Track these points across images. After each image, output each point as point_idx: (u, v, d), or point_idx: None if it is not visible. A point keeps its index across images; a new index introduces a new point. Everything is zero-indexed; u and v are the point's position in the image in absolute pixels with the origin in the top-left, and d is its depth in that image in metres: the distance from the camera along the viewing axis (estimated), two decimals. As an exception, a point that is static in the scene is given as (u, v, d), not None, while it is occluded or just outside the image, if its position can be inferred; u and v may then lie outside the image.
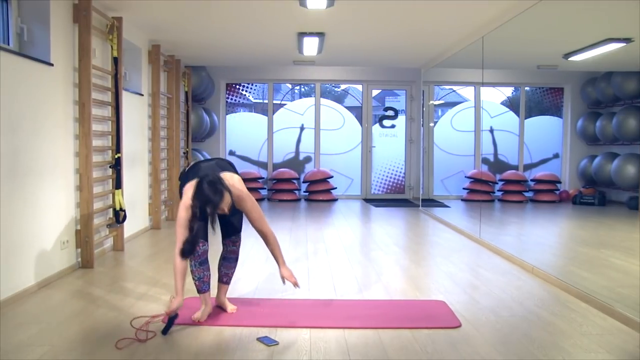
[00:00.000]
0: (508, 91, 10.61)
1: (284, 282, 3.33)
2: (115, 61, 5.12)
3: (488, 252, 5.43)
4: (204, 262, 3.25)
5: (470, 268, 4.79)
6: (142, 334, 2.95)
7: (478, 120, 10.26)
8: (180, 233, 3.04)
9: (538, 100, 10.63)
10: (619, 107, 9.08)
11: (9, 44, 3.98)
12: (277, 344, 2.89)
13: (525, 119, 10.30)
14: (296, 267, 4.56)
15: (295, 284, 3.32)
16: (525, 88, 10.39)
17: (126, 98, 5.65)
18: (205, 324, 3.17)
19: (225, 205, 3.00)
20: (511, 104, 10.52)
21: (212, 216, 3.03)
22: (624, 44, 6.36)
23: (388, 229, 6.86)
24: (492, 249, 5.46)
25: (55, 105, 4.21)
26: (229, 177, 3.18)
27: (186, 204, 3.03)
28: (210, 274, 3.30)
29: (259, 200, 9.85)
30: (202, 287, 3.26)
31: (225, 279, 3.46)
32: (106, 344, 2.85)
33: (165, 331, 2.96)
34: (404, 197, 10.58)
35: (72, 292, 3.90)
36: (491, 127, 10.38)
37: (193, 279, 3.26)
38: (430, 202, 9.63)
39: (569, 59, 7.37)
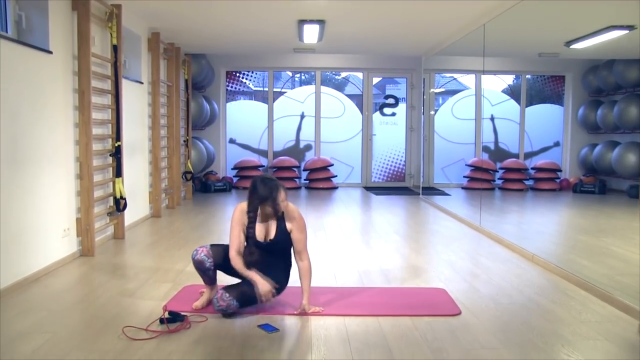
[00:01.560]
0: (509, 79, 10.57)
1: (304, 309, 3.19)
2: (115, 49, 5.09)
3: (488, 240, 5.44)
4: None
5: (470, 256, 4.79)
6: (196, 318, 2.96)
7: (479, 108, 10.22)
8: (233, 235, 3.19)
9: (539, 88, 10.59)
10: (621, 95, 9.04)
11: (7, 32, 3.95)
12: (277, 331, 2.90)
13: (526, 107, 10.26)
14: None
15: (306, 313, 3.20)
16: (527, 76, 10.35)
17: (126, 86, 5.62)
18: (207, 312, 3.17)
19: (281, 202, 3.12)
20: (512, 92, 10.48)
21: (275, 209, 3.13)
22: (627, 32, 6.32)
23: (388, 217, 6.86)
24: (493, 237, 5.46)
25: (55, 93, 4.20)
26: (283, 194, 3.20)
27: (242, 208, 3.21)
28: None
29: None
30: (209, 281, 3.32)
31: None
32: (108, 332, 2.86)
33: (163, 321, 2.96)
34: (404, 185, 10.57)
35: (73, 280, 3.91)
36: (492, 115, 10.35)
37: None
38: (431, 190, 9.62)
39: (571, 46, 7.33)
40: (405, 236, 5.71)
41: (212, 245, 3.32)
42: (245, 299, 3.11)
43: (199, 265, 3.26)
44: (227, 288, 3.13)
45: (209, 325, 2.99)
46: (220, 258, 3.26)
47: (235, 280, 3.28)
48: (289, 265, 3.32)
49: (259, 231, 3.22)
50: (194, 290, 3.57)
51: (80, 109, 4.49)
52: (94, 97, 4.72)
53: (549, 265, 4.27)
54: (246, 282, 3.16)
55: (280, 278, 3.23)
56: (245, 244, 3.19)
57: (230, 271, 3.27)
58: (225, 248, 3.27)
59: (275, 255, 3.25)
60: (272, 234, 3.21)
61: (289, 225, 3.23)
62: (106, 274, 4.06)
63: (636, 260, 4.50)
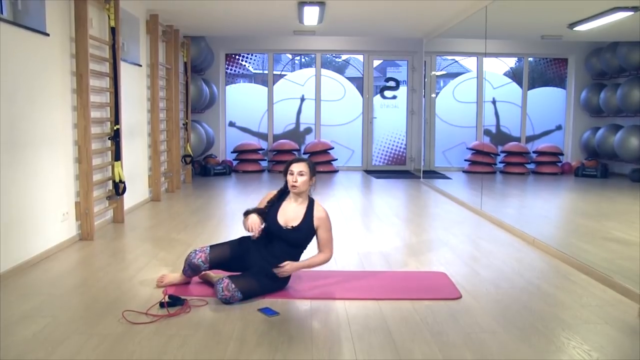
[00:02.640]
0: (511, 62, 10.50)
1: (281, 266, 3.17)
2: (113, 31, 5.05)
3: (489, 224, 5.44)
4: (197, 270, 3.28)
5: (471, 240, 4.80)
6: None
7: (480, 91, 10.17)
8: (259, 203, 3.31)
9: (541, 71, 10.52)
10: (624, 78, 8.98)
11: (2, 13, 3.90)
12: (277, 315, 2.91)
13: (528, 90, 10.20)
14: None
15: (280, 272, 3.18)
16: (529, 59, 10.27)
17: (124, 69, 5.58)
18: (207, 296, 3.18)
19: (303, 179, 3.17)
20: (514, 75, 10.42)
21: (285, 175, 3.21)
22: (631, 13, 6.25)
23: (389, 200, 6.86)
24: (493, 221, 5.46)
25: (53, 76, 4.17)
26: (307, 173, 3.22)
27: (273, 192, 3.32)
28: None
29: (259, 171, 9.85)
30: (186, 271, 3.30)
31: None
32: (108, 315, 2.87)
33: (163, 305, 2.96)
34: (405, 169, 10.56)
35: (73, 264, 3.91)
36: (493, 99, 10.30)
37: (186, 261, 3.27)
38: (432, 174, 9.62)
39: (574, 28, 7.26)
40: (406, 220, 5.71)
41: (212, 247, 3.28)
42: (250, 292, 3.10)
43: (192, 267, 3.24)
44: (233, 279, 3.10)
45: (209, 309, 2.99)
46: (219, 259, 3.24)
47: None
48: (298, 257, 3.28)
49: (282, 215, 3.22)
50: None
51: (79, 92, 4.46)
52: (92, 80, 4.69)
53: (550, 249, 4.28)
54: (252, 275, 3.16)
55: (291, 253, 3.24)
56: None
57: (231, 269, 3.28)
58: (225, 247, 3.27)
59: (288, 243, 3.22)
60: (296, 222, 3.20)
61: (316, 222, 3.22)
62: (106, 258, 4.06)
63: (637, 244, 4.50)
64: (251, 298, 3.12)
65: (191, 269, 3.26)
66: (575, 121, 10.07)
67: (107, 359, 2.38)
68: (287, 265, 3.17)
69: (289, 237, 3.21)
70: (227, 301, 3.06)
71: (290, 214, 3.23)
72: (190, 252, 3.27)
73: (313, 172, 3.25)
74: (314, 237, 3.29)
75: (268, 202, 3.28)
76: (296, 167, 3.20)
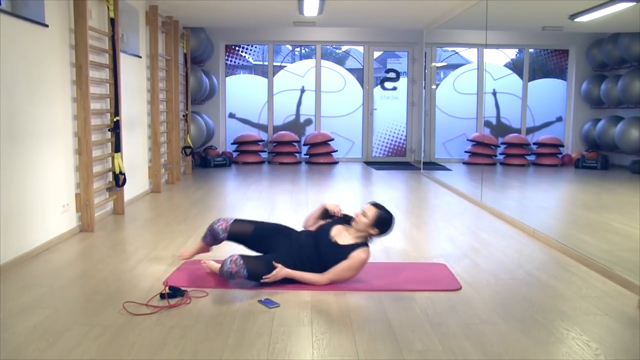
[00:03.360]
0: (512, 53, 10.46)
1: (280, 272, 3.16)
2: (112, 22, 5.02)
3: (489, 215, 5.44)
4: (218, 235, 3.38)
5: (471, 231, 4.80)
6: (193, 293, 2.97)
7: (481, 82, 10.14)
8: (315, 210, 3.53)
9: (542, 63, 10.48)
10: (625, 69, 8.95)
11: (1, 4, 3.88)
12: (277, 306, 2.92)
13: (529, 81, 10.16)
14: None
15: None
16: (530, 50, 10.23)
17: (124, 60, 5.56)
18: (207, 287, 3.18)
19: (367, 218, 3.26)
20: (515, 66, 10.38)
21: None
22: (634, 4, 6.22)
23: (389, 192, 6.86)
24: (494, 213, 5.46)
25: (52, 68, 4.15)
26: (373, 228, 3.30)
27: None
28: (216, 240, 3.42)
29: (259, 163, 9.84)
30: (206, 237, 3.44)
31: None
32: (108, 307, 2.87)
33: (163, 296, 2.97)
34: (405, 160, 10.55)
35: (73, 256, 3.92)
36: (494, 90, 10.27)
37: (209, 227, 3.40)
38: (432, 165, 9.61)
39: (575, 19, 7.22)
40: (406, 211, 5.71)
41: (235, 220, 3.43)
42: (256, 273, 3.11)
43: (212, 233, 3.41)
44: (244, 256, 3.14)
45: (210, 301, 3.00)
46: (239, 234, 3.37)
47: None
48: (314, 270, 3.24)
49: (336, 230, 3.30)
50: (194, 266, 3.58)
51: (78, 84, 4.45)
52: (92, 72, 4.67)
53: (550, 240, 4.28)
54: (265, 260, 3.18)
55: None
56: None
57: (248, 246, 3.39)
58: (249, 225, 3.39)
59: (318, 253, 3.24)
60: (341, 242, 3.25)
61: (352, 254, 3.19)
62: (106, 249, 4.06)
63: (637, 236, 4.50)
64: (255, 281, 3.13)
65: (211, 235, 3.40)
66: (575, 113, 10.04)
67: (108, 350, 2.38)
68: (283, 270, 3.14)
69: (325, 248, 3.25)
70: (231, 275, 3.07)
71: (342, 235, 3.30)
72: (215, 220, 3.44)
73: (379, 225, 3.27)
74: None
75: (331, 220, 3.39)
76: (368, 209, 3.29)
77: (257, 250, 3.39)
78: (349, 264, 3.20)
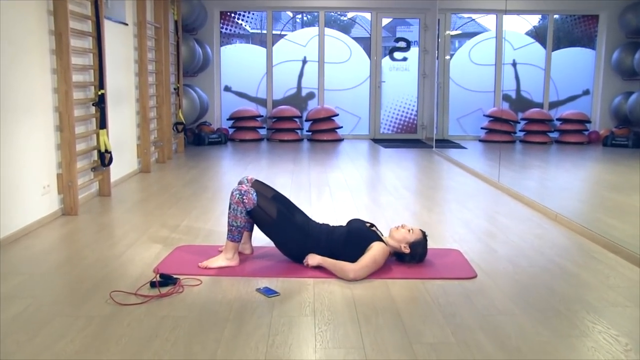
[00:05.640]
0: (534, 20, 10.35)
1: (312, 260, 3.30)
2: (95, -15, 4.97)
3: (507, 197, 5.42)
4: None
5: (487, 215, 4.79)
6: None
7: (499, 52, 10.06)
8: None
9: (568, 30, 10.36)
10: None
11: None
12: (277, 295, 2.92)
13: (553, 51, 10.07)
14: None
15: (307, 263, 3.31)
16: (554, 16, 10.12)
17: (108, 28, 5.52)
18: (201, 274, 3.18)
19: (412, 232, 3.41)
20: (537, 34, 10.28)
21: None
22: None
23: (398, 172, 6.85)
24: (512, 194, 5.45)
25: (28, 36, 4.11)
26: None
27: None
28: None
29: (257, 140, 9.82)
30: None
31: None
32: (94, 296, 2.88)
33: (154, 285, 2.97)
34: (415, 137, 10.53)
35: (55, 241, 3.92)
36: (514, 61, 10.19)
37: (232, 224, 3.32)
38: (445, 143, 9.58)
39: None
40: (417, 192, 5.70)
41: (257, 181, 3.61)
42: (262, 211, 3.24)
43: (239, 183, 3.58)
44: (260, 183, 3.56)
45: (204, 289, 3.00)
46: (262, 190, 3.47)
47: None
48: (338, 254, 3.29)
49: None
50: (187, 251, 3.58)
51: (58, 53, 4.41)
52: (73, 40, 4.63)
53: (574, 225, 4.26)
54: (281, 212, 3.31)
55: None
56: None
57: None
58: (269, 190, 3.54)
59: (349, 232, 3.38)
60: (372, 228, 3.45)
61: (372, 245, 3.26)
62: (91, 234, 4.07)
63: (669, 220, 4.48)
64: (259, 220, 3.26)
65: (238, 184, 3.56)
66: (605, 85, 9.93)
67: (93, 343, 2.39)
68: (316, 258, 3.26)
69: (355, 224, 3.43)
70: (240, 195, 3.20)
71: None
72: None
73: (415, 247, 3.37)
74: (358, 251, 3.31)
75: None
76: (415, 229, 3.43)
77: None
78: (371, 253, 3.22)
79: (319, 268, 3.24)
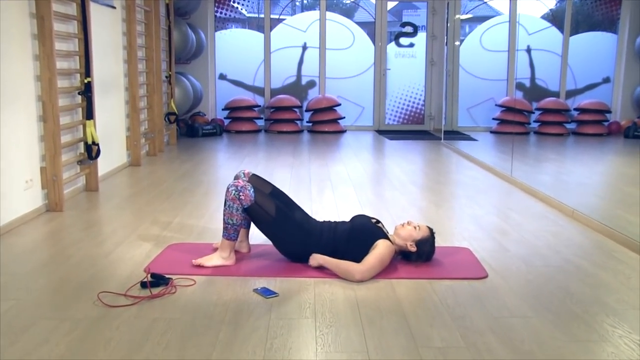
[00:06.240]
0: (551, 2, 10.33)
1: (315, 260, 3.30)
2: (80, -35, 4.96)
3: (520, 192, 5.42)
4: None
5: (499, 211, 4.79)
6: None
7: (513, 37, 10.04)
8: None
9: (588, 13, 10.34)
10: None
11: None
12: (276, 296, 2.92)
13: (571, 35, 10.05)
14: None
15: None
16: (572, -2, 10.11)
17: (95, 11, 5.50)
18: (194, 274, 3.19)
19: (418, 229, 3.41)
20: (554, 18, 10.26)
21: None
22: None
23: (404, 165, 6.84)
24: (526, 189, 5.45)
25: (7, 19, 4.10)
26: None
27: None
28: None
29: (255, 132, 9.81)
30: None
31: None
32: (81, 298, 2.88)
33: (145, 285, 2.97)
34: (423, 129, 10.53)
35: (39, 239, 3.93)
36: (528, 46, 10.17)
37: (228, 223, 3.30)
38: (454, 135, 9.58)
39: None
40: (424, 187, 5.70)
41: (255, 175, 3.60)
42: (264, 207, 3.23)
43: (235, 177, 3.54)
44: (257, 177, 3.55)
45: (198, 290, 3.00)
46: (260, 185, 3.46)
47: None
48: (341, 251, 3.30)
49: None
50: (179, 250, 3.58)
51: (41, 39, 4.40)
52: (57, 24, 4.62)
53: (592, 222, 4.26)
54: (280, 209, 3.30)
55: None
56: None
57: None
58: (267, 185, 3.54)
59: (352, 227, 3.39)
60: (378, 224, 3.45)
61: (377, 243, 3.25)
62: (78, 231, 4.07)
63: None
64: (257, 218, 3.25)
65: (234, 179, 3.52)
66: (627, 72, 9.90)
67: (80, 348, 2.39)
68: (319, 257, 3.25)
69: (359, 226, 3.38)
70: (236, 192, 3.19)
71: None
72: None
73: (421, 245, 3.37)
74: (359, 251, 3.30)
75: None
76: (422, 226, 3.42)
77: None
78: (374, 252, 3.21)
79: (320, 268, 3.24)
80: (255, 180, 3.54)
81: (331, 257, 3.25)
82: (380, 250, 3.22)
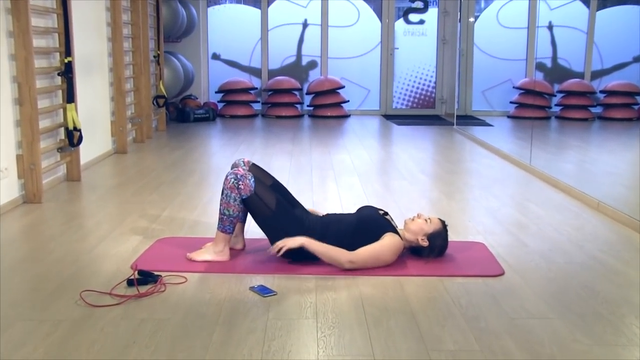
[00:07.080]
0: (575, -26, 10.29)
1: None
2: None
3: (540, 182, 5.42)
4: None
5: (516, 202, 4.79)
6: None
7: (533, 13, 10.00)
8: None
9: (616, -15, 10.29)
10: None
11: None
12: (274, 294, 2.92)
13: (598, 10, 10.00)
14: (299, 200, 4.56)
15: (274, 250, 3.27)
16: (599, -31, 10.07)
17: (76, -16, 5.49)
18: (186, 270, 3.19)
19: (430, 221, 3.41)
20: (578, -9, 10.22)
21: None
22: None
23: (413, 153, 6.84)
24: (546, 179, 5.44)
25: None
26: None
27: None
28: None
29: (251, 116, 9.80)
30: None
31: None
32: (61, 297, 2.88)
33: (131, 283, 2.97)
34: (434, 113, 10.53)
35: (16, 233, 3.93)
36: (550, 23, 10.12)
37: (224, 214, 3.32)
38: (468, 120, 9.57)
39: None
40: (435, 177, 5.70)
41: (255, 165, 3.59)
42: (264, 198, 3.23)
43: (233, 166, 3.52)
44: (257, 167, 3.53)
45: (189, 288, 3.01)
46: (260, 175, 3.45)
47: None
48: (345, 242, 3.29)
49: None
50: (169, 245, 3.58)
51: (14, 13, 4.37)
52: (34, -2, 4.62)
53: (619, 215, 4.26)
54: (280, 203, 3.31)
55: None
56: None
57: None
58: (269, 177, 3.54)
59: (359, 217, 3.41)
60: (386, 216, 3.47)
61: (384, 236, 3.27)
62: (58, 225, 4.07)
63: None
64: (255, 210, 3.26)
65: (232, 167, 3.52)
66: (658, 51, 9.88)
67: (61, 351, 2.39)
68: (300, 238, 3.20)
69: (366, 211, 3.45)
70: (235, 180, 3.19)
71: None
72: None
73: (433, 239, 3.37)
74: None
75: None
76: (433, 218, 3.44)
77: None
78: (375, 245, 3.23)
79: (315, 260, 3.21)
80: (256, 170, 3.53)
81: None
82: (381, 243, 3.22)
